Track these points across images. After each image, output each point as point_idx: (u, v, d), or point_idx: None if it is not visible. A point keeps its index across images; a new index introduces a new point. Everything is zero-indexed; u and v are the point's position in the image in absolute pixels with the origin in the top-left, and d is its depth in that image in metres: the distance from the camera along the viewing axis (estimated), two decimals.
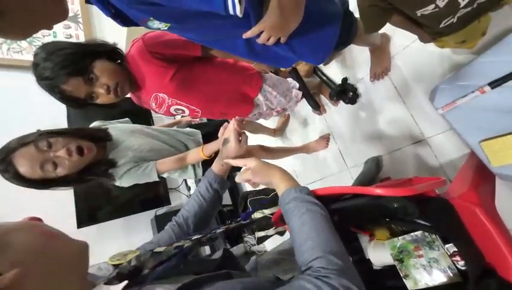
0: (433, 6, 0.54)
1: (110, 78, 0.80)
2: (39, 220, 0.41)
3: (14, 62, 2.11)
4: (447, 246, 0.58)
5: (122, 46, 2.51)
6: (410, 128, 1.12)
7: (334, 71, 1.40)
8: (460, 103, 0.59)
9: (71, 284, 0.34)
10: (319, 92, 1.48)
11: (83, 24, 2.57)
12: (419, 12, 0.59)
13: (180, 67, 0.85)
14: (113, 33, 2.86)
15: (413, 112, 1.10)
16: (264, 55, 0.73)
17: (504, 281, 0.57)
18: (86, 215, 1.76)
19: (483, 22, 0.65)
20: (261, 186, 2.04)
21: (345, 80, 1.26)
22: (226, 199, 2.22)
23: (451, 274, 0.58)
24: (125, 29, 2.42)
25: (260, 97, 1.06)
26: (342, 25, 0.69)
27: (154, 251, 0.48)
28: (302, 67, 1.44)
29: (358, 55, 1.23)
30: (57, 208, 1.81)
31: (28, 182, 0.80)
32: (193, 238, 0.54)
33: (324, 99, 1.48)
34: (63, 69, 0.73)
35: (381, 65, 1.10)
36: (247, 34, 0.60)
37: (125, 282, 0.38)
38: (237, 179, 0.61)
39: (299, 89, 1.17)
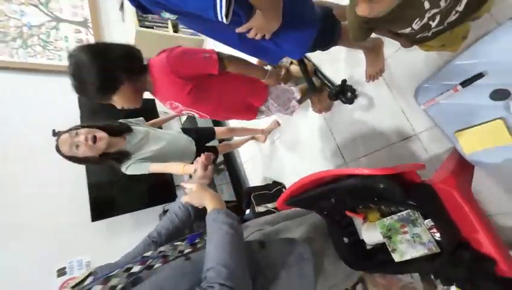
0: (410, 29, 0.65)
1: (126, 104, 0.96)
2: None
3: (29, 65, 2.23)
4: (426, 221, 0.67)
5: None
6: (403, 124, 1.21)
7: (333, 73, 1.50)
8: (438, 100, 0.68)
9: None
10: (317, 96, 1.58)
11: (93, 29, 2.68)
12: (398, 31, 0.70)
13: (197, 83, 0.96)
14: (121, 38, 2.99)
15: (405, 110, 1.20)
16: (253, 47, 0.89)
17: (476, 252, 0.67)
18: (99, 210, 1.86)
19: (458, 31, 0.75)
20: (265, 182, 2.15)
21: (344, 81, 1.36)
22: (230, 194, 2.32)
23: (431, 246, 0.67)
24: (133, 33, 2.54)
25: (263, 107, 1.22)
26: (324, 27, 0.85)
27: (108, 275, 0.54)
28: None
29: (358, 57, 1.33)
30: (74, 203, 1.92)
31: (66, 157, 1.12)
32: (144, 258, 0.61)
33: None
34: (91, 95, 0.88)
35: (374, 67, 1.19)
36: (239, 30, 0.76)
37: None
38: (182, 200, 0.74)
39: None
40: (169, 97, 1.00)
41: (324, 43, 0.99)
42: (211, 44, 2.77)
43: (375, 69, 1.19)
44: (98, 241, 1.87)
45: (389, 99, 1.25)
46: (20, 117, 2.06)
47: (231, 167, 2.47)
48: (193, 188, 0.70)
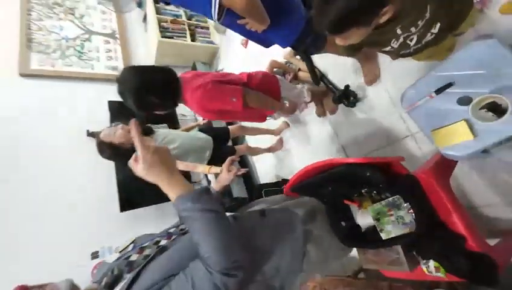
0: (389, 47, 0.80)
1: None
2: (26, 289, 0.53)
3: (66, 74, 2.52)
4: (405, 204, 0.81)
5: (153, 56, 2.90)
6: (400, 126, 1.34)
7: (337, 79, 1.64)
8: (418, 104, 0.82)
9: None
10: (322, 100, 1.73)
11: (120, 39, 2.96)
12: (381, 49, 0.86)
13: (222, 112, 1.21)
14: (145, 46, 3.25)
15: (401, 113, 1.32)
16: (253, 36, 1.13)
17: (450, 231, 0.79)
18: (127, 202, 2.09)
19: (443, 45, 0.88)
20: (275, 180, 2.31)
21: (346, 86, 1.50)
22: (243, 191, 2.49)
23: (412, 226, 0.81)
24: (155, 42, 2.78)
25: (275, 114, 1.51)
26: (309, 29, 1.06)
27: (129, 259, 0.64)
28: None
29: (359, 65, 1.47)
30: (105, 196, 2.16)
31: (103, 145, 1.41)
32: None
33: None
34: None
35: (370, 74, 1.33)
36: (239, 22, 1.00)
37: None
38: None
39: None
40: (195, 111, 1.25)
41: (312, 45, 1.17)
42: (225, 47, 2.98)
43: (371, 76, 1.33)
44: (126, 230, 2.09)
45: (387, 103, 1.38)
46: (59, 118, 2.34)
47: (243, 165, 2.64)
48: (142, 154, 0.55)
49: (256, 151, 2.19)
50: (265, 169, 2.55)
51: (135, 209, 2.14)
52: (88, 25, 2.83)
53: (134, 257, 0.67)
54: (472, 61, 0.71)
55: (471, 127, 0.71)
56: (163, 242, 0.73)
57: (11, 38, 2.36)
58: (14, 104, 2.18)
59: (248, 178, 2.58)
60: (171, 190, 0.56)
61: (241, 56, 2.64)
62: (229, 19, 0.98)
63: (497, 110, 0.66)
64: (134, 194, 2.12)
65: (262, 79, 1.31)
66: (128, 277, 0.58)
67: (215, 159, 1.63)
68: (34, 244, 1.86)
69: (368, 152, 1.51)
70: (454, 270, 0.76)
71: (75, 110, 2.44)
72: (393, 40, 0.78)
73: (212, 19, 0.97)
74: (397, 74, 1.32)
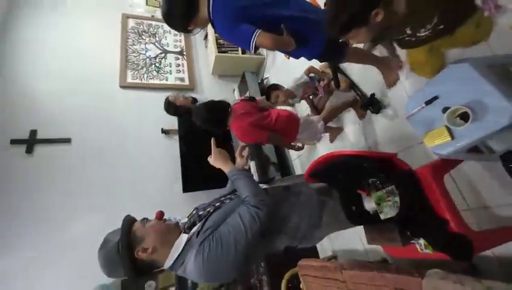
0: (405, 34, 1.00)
1: None
2: (161, 215, 0.97)
3: (149, 85, 3.27)
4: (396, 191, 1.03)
5: (210, 67, 3.52)
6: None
7: (366, 88, 1.84)
8: (413, 112, 1.02)
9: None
10: (352, 107, 1.95)
11: (186, 56, 3.64)
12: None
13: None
14: (205, 60, 3.91)
15: None
16: (285, 52, 1.46)
17: (437, 215, 0.97)
18: (189, 184, 2.66)
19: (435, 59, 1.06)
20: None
21: (372, 94, 1.69)
22: None
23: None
24: (213, 56, 3.34)
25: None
26: (329, 46, 1.33)
27: (199, 214, 1.02)
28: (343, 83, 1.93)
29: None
30: (172, 177, 2.77)
31: (170, 106, 2.20)
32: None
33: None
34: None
35: (389, 77, 1.52)
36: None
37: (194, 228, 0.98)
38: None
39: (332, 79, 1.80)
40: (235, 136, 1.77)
41: (334, 56, 1.48)
42: (270, 58, 3.36)
43: (390, 79, 1.52)
44: (186, 207, 2.66)
45: None
46: (144, 118, 3.08)
47: (282, 162, 2.97)
48: (213, 155, 1.12)
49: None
50: (302, 167, 2.82)
51: (194, 192, 2.69)
52: (164, 46, 3.60)
53: (201, 213, 1.10)
54: (452, 80, 0.91)
55: (450, 131, 0.90)
56: (217, 204, 1.14)
57: (115, 60, 3.23)
58: (117, 107, 3.00)
59: (286, 174, 2.90)
60: (226, 168, 1.07)
61: (284, 65, 2.99)
62: None
63: (467, 118, 0.84)
64: (195, 179, 2.67)
65: (287, 122, 1.73)
66: (200, 222, 0.99)
67: None
68: (120, 209, 2.56)
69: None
70: (436, 245, 0.95)
71: (154, 113, 3.15)
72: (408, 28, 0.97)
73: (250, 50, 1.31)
74: (417, 84, 1.47)
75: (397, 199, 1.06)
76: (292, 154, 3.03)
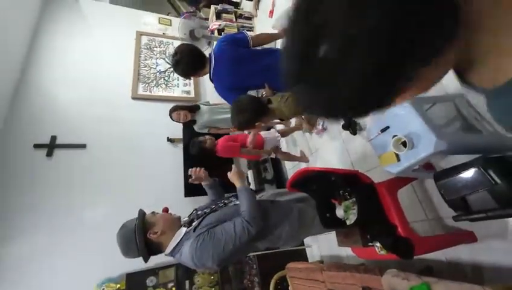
0: None
1: None
2: (167, 210, 1.32)
3: (158, 96, 3.57)
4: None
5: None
6: None
7: None
8: (372, 138, 1.26)
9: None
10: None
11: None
12: None
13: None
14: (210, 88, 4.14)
15: None
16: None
17: (388, 221, 1.19)
18: (190, 190, 2.90)
19: None
20: None
21: (350, 117, 1.93)
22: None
23: None
24: None
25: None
26: None
27: (197, 213, 1.32)
28: None
29: None
30: (175, 183, 3.01)
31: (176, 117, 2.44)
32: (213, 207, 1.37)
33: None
34: None
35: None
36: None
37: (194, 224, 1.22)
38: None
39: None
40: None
41: None
42: None
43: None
44: (187, 209, 2.89)
45: None
46: (152, 127, 3.36)
47: (278, 174, 3.20)
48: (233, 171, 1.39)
49: (287, 156, 2.84)
50: None
51: (195, 197, 2.92)
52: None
53: (199, 212, 1.34)
54: (398, 114, 1.15)
55: (396, 155, 1.13)
56: (213, 207, 1.38)
57: (129, 73, 3.55)
58: (128, 116, 3.29)
59: (281, 186, 3.12)
60: (238, 184, 1.33)
61: None
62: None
63: (407, 145, 1.08)
64: (195, 185, 2.90)
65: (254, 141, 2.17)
66: (198, 220, 1.23)
67: None
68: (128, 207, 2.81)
69: (370, 169, 1.90)
70: (387, 246, 1.17)
71: (161, 122, 3.44)
72: None
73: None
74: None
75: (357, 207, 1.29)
76: (288, 166, 3.26)
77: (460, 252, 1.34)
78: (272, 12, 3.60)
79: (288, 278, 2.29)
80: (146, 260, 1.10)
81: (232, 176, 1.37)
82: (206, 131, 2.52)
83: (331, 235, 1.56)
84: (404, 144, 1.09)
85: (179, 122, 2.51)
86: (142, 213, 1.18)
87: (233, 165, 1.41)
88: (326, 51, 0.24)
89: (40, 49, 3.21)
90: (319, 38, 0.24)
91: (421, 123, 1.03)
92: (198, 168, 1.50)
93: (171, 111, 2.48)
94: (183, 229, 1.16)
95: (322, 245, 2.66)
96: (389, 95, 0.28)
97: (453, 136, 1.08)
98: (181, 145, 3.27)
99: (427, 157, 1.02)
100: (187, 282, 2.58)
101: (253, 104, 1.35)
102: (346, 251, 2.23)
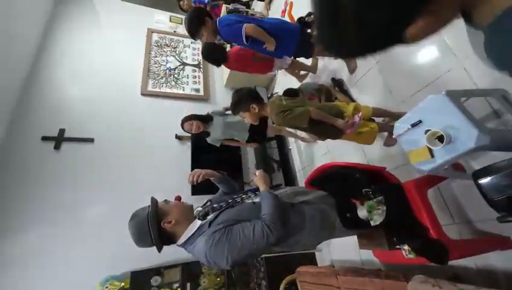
0: None
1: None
2: (180, 198, 1.24)
3: (167, 94, 3.53)
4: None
5: (224, 80, 3.83)
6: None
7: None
8: (401, 133, 1.18)
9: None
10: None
11: (202, 68, 3.92)
12: None
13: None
14: (219, 73, 4.18)
15: None
16: (268, 52, 1.96)
17: (419, 223, 1.11)
18: (197, 189, 2.83)
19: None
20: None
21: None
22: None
23: None
24: (228, 71, 3.59)
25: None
26: (301, 40, 1.93)
27: (213, 206, 1.19)
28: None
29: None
30: (179, 181, 2.94)
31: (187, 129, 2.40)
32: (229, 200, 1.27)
33: None
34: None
35: (349, 66, 1.95)
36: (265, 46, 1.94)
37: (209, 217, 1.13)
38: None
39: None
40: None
41: (305, 52, 2.08)
42: (281, 75, 3.59)
43: (350, 67, 2.10)
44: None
45: None
46: (161, 123, 3.32)
47: (286, 173, 3.13)
48: (258, 176, 1.30)
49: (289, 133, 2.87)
50: (305, 176, 2.97)
51: (202, 195, 2.85)
52: (183, 59, 3.90)
53: (215, 205, 1.26)
54: (432, 108, 1.07)
55: (430, 150, 1.05)
56: (230, 201, 1.30)
57: (139, 69, 3.53)
58: (137, 112, 3.26)
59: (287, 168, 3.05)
60: (262, 187, 1.22)
61: (293, 81, 3.20)
62: (254, 43, 1.86)
63: (443, 140, 1.00)
64: (202, 184, 2.85)
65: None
66: (213, 214, 1.16)
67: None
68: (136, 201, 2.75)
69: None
70: (417, 250, 1.08)
71: (169, 119, 3.40)
72: None
73: (245, 44, 1.84)
74: None
75: (384, 207, 1.21)
76: (297, 165, 3.18)
77: (493, 259, 1.25)
78: (284, 12, 3.56)
79: (298, 283, 2.19)
80: (160, 249, 1.03)
81: (257, 179, 1.31)
82: (218, 145, 2.50)
83: (344, 239, 1.47)
84: (440, 138, 1.01)
85: (191, 133, 2.43)
86: (155, 201, 1.10)
87: (258, 171, 1.35)
88: None
89: (52, 44, 3.21)
90: None
91: (460, 116, 0.95)
92: (197, 174, 1.41)
93: (183, 121, 2.40)
94: (198, 222, 1.09)
95: (333, 249, 2.56)
96: (406, 17, 0.35)
97: (496, 131, 1.00)
98: (189, 143, 3.22)
99: (466, 153, 0.94)
100: (192, 283, 2.50)
101: (250, 90, 1.65)
102: (361, 255, 2.13)
